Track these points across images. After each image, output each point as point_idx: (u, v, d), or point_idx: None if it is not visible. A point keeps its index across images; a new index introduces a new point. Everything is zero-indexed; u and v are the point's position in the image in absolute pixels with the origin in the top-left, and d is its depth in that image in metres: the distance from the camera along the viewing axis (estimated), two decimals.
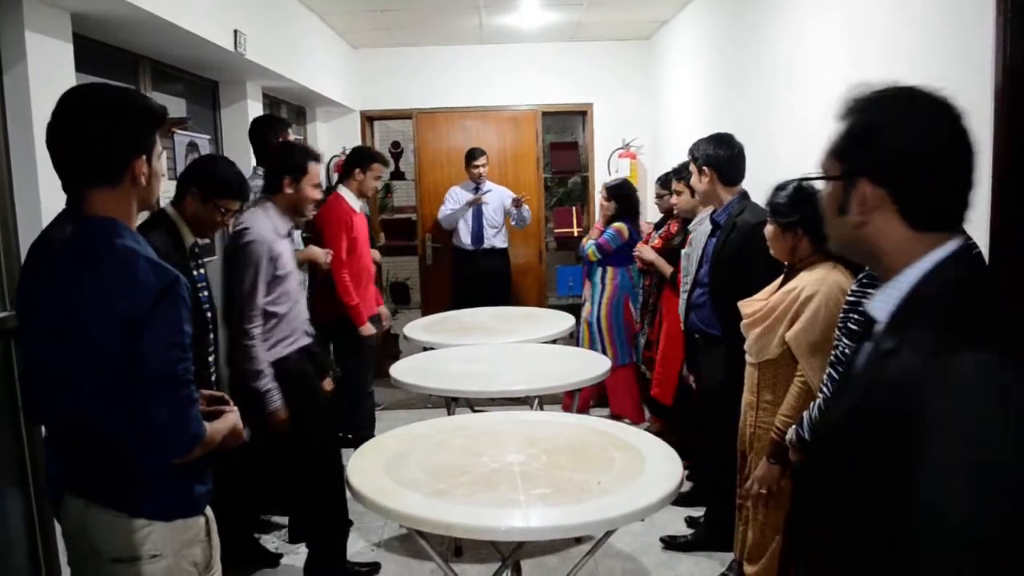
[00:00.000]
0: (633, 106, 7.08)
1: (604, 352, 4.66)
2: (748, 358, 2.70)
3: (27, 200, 2.60)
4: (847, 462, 1.11)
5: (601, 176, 6.84)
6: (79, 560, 1.66)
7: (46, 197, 2.59)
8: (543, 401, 3.52)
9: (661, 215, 4.74)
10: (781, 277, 2.66)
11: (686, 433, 3.90)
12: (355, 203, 4.37)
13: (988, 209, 2.23)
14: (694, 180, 3.40)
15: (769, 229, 2.63)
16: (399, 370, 3.44)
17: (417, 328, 4.42)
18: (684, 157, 3.92)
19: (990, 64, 2.21)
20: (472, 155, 6.07)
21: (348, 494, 2.36)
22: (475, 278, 5.99)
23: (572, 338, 4.88)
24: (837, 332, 1.87)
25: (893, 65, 2.81)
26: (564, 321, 4.47)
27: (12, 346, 2.57)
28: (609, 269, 4.82)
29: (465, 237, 6.06)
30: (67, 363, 1.56)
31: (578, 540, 3.37)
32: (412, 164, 7.62)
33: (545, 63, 7.08)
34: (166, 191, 3.19)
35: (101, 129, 1.55)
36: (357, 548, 3.55)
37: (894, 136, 1.09)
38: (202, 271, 2.76)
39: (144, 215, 3.55)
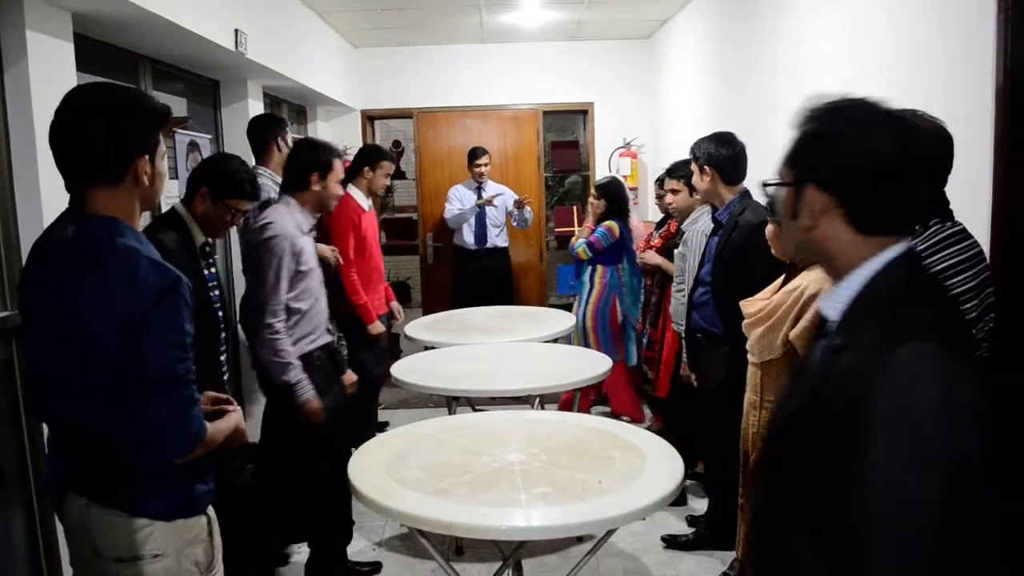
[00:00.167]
0: (634, 105, 7.08)
1: None
2: (750, 357, 2.70)
3: (28, 199, 2.60)
4: (798, 454, 1.15)
5: (602, 175, 6.84)
6: (81, 559, 1.66)
7: (47, 196, 2.59)
8: (544, 400, 3.52)
9: (662, 215, 4.74)
10: (783, 276, 2.66)
11: (687, 433, 3.90)
12: (364, 202, 4.35)
13: (989, 208, 2.23)
14: (695, 179, 3.40)
15: (770, 228, 2.63)
16: (400, 369, 3.44)
17: (418, 327, 4.42)
18: (685, 156, 3.92)
19: (991, 64, 2.21)
20: (475, 154, 6.07)
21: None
22: (476, 277, 5.99)
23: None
24: None
25: (893, 65, 2.81)
26: (565, 320, 4.47)
27: (13, 345, 2.57)
28: (599, 268, 4.81)
29: (468, 236, 6.06)
30: (68, 363, 1.56)
31: (579, 539, 3.37)
32: (413, 163, 7.62)
33: (546, 62, 7.08)
34: (167, 191, 3.19)
35: (103, 128, 1.55)
36: (358, 547, 3.55)
37: (840, 145, 1.14)
38: (213, 270, 2.74)
39: (148, 215, 3.58)
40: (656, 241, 4.51)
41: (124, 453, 1.58)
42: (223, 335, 2.79)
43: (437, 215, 6.33)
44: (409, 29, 6.41)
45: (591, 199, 4.91)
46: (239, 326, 3.59)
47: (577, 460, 2.37)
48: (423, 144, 7.22)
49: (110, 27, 3.20)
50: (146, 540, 1.60)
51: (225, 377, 2.85)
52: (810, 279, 2.48)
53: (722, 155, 3.23)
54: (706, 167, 3.28)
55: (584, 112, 7.36)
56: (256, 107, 4.86)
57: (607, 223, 4.76)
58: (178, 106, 4.26)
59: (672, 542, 3.50)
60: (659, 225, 4.67)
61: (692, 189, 3.76)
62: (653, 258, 4.38)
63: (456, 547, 3.50)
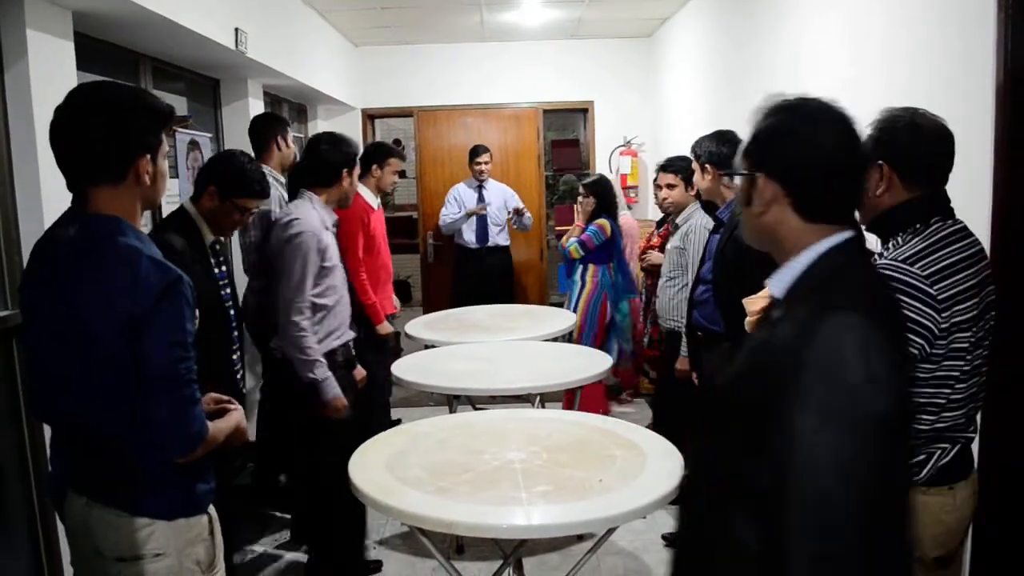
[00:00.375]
0: (634, 104, 7.08)
1: None
2: None
3: (29, 198, 2.60)
4: (732, 413, 1.26)
5: (603, 174, 6.84)
6: (82, 559, 1.66)
7: (48, 195, 2.59)
8: (544, 399, 3.52)
9: (663, 214, 4.73)
10: None
11: (677, 429, 3.90)
12: (373, 200, 4.32)
13: (989, 207, 2.23)
14: (697, 177, 3.41)
15: None
16: (401, 368, 3.44)
17: (418, 326, 4.41)
18: (685, 154, 3.92)
19: (991, 63, 2.21)
20: (475, 152, 6.06)
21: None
22: (477, 276, 5.98)
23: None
24: None
25: (893, 64, 2.81)
26: (565, 319, 4.47)
27: (14, 344, 2.57)
28: (591, 266, 4.80)
29: (469, 236, 6.05)
30: (69, 362, 1.56)
31: (580, 538, 3.37)
32: (413, 162, 7.62)
33: (546, 60, 7.08)
34: (167, 190, 3.18)
35: (105, 127, 1.55)
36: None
37: (790, 140, 1.25)
38: (223, 268, 2.72)
39: (157, 213, 3.58)
40: (656, 240, 4.50)
41: (125, 452, 1.58)
42: (235, 333, 2.78)
43: (437, 214, 6.32)
44: (409, 28, 6.41)
45: (580, 198, 4.89)
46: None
47: (578, 458, 2.37)
48: (423, 143, 7.22)
49: (111, 26, 3.20)
50: (147, 539, 1.60)
51: (239, 375, 2.84)
52: None
53: (723, 153, 3.23)
54: (707, 165, 3.29)
55: (584, 111, 7.36)
56: (256, 106, 4.86)
57: (599, 221, 4.75)
58: (178, 105, 4.26)
59: (673, 540, 3.50)
60: (659, 224, 4.67)
61: (687, 184, 3.78)
62: (657, 258, 4.38)
63: (457, 546, 3.50)
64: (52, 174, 1.62)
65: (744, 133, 1.38)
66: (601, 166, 7.12)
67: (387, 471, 2.30)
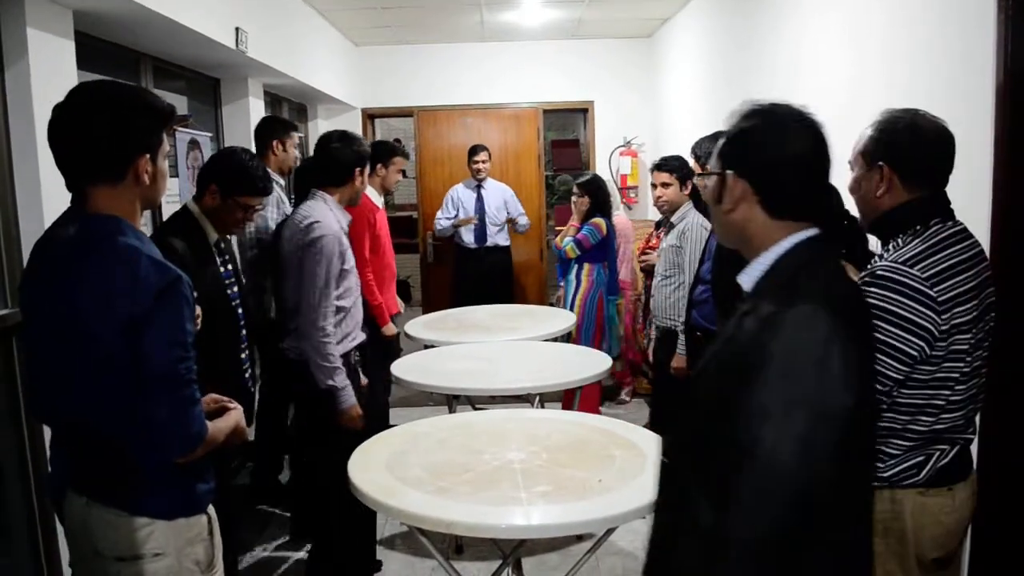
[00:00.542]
0: (634, 104, 7.08)
1: None
2: None
3: (29, 197, 2.61)
4: (702, 404, 1.32)
5: (602, 174, 6.84)
6: (81, 559, 1.66)
7: (48, 194, 2.59)
8: (544, 399, 3.53)
9: (661, 215, 4.73)
10: None
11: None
12: (377, 199, 4.31)
13: (989, 208, 2.23)
14: (697, 178, 3.41)
15: None
16: (400, 368, 3.44)
17: (418, 326, 4.41)
18: (680, 154, 3.93)
19: (991, 63, 2.21)
20: (473, 151, 6.07)
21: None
22: (476, 276, 5.98)
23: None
24: None
25: (893, 64, 2.81)
26: (565, 319, 4.47)
27: (14, 343, 2.57)
28: (586, 265, 4.79)
29: (468, 236, 6.05)
30: (69, 362, 1.56)
31: (579, 538, 3.38)
32: (413, 162, 7.62)
33: (546, 60, 7.08)
34: (168, 190, 3.18)
35: (104, 125, 1.54)
36: None
37: (757, 141, 1.33)
38: (229, 267, 2.71)
39: (157, 213, 3.58)
40: (655, 242, 4.50)
41: (125, 452, 1.58)
42: (243, 332, 2.77)
43: (437, 212, 6.33)
44: (410, 27, 6.41)
45: (574, 197, 4.89)
46: None
47: (577, 458, 2.38)
48: (423, 142, 7.22)
49: (111, 25, 3.20)
50: (147, 539, 1.60)
51: (247, 374, 2.83)
52: None
53: None
54: (707, 166, 3.29)
55: (584, 111, 7.36)
56: (257, 105, 4.86)
57: (594, 220, 4.75)
58: (179, 104, 4.26)
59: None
60: (659, 224, 4.66)
61: (682, 183, 3.78)
62: (655, 260, 4.38)
63: (456, 545, 3.50)
64: (52, 173, 1.62)
65: None
66: (601, 166, 7.12)
67: (387, 471, 2.30)
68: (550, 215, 7.68)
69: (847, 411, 1.15)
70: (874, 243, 1.97)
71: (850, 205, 2.10)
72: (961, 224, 1.80)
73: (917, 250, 1.72)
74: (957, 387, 1.73)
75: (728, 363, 1.27)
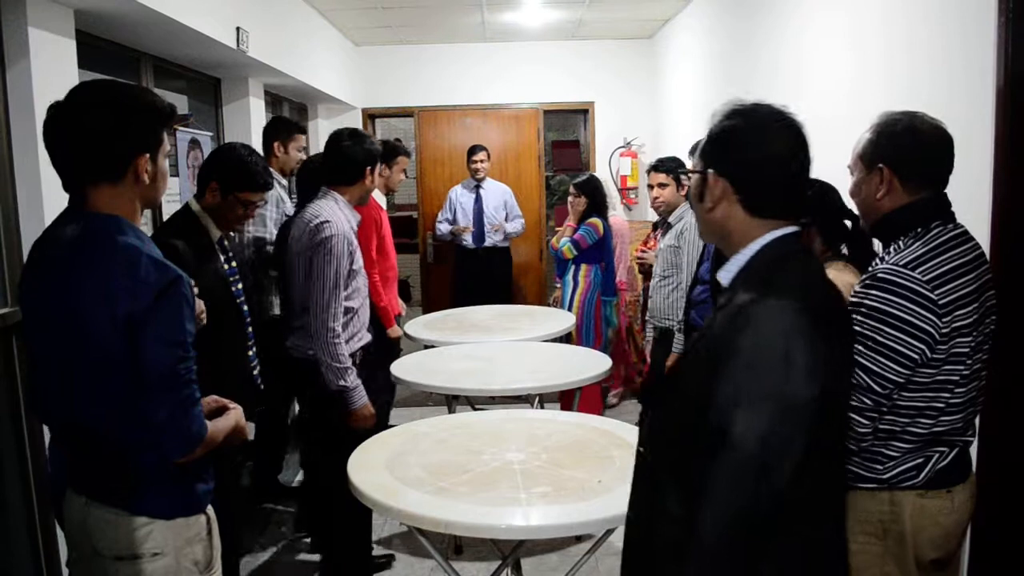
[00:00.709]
0: (635, 105, 7.08)
1: None
2: None
3: (30, 195, 2.61)
4: (676, 396, 1.36)
5: (603, 175, 6.85)
6: (80, 558, 1.66)
7: (49, 193, 2.59)
8: (543, 399, 3.53)
9: (658, 216, 4.73)
10: None
11: None
12: (382, 200, 4.31)
13: (989, 210, 2.23)
14: (683, 177, 3.42)
15: None
16: (400, 368, 3.44)
17: (418, 326, 4.42)
18: (676, 155, 3.94)
19: (991, 66, 2.22)
20: (472, 151, 6.09)
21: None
22: (476, 276, 5.99)
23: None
24: None
25: (894, 66, 2.81)
26: (565, 319, 4.47)
27: (14, 342, 2.57)
28: (583, 266, 4.80)
29: (467, 236, 6.05)
30: (68, 361, 1.56)
31: (578, 538, 3.38)
32: (414, 162, 7.62)
33: (547, 61, 7.08)
34: (168, 189, 3.18)
35: (102, 124, 1.54)
36: None
37: (737, 140, 1.35)
38: (233, 264, 2.70)
39: (157, 213, 3.58)
40: (653, 243, 4.50)
41: (124, 452, 1.58)
42: (250, 329, 2.76)
43: (438, 214, 6.34)
44: (410, 27, 6.41)
45: (571, 198, 4.89)
46: None
47: (577, 459, 2.38)
48: (424, 143, 7.22)
49: (112, 24, 3.20)
50: (146, 539, 1.60)
51: (255, 371, 2.82)
52: None
53: None
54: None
55: (585, 111, 7.36)
56: (257, 105, 4.86)
57: (591, 220, 4.75)
58: (179, 104, 4.26)
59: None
60: (656, 226, 4.66)
61: (677, 184, 3.79)
62: (652, 258, 4.38)
63: (455, 546, 3.50)
64: (53, 172, 1.62)
65: None
66: (601, 167, 7.12)
67: (387, 471, 2.30)
68: (550, 216, 7.68)
69: (812, 402, 1.18)
70: (875, 245, 1.97)
71: (852, 207, 2.11)
72: (962, 227, 1.80)
73: (918, 253, 1.72)
74: (957, 390, 1.73)
75: (702, 357, 1.30)
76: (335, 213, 2.88)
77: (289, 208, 3.87)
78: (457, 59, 7.07)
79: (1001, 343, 1.87)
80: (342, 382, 2.82)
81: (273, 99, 5.58)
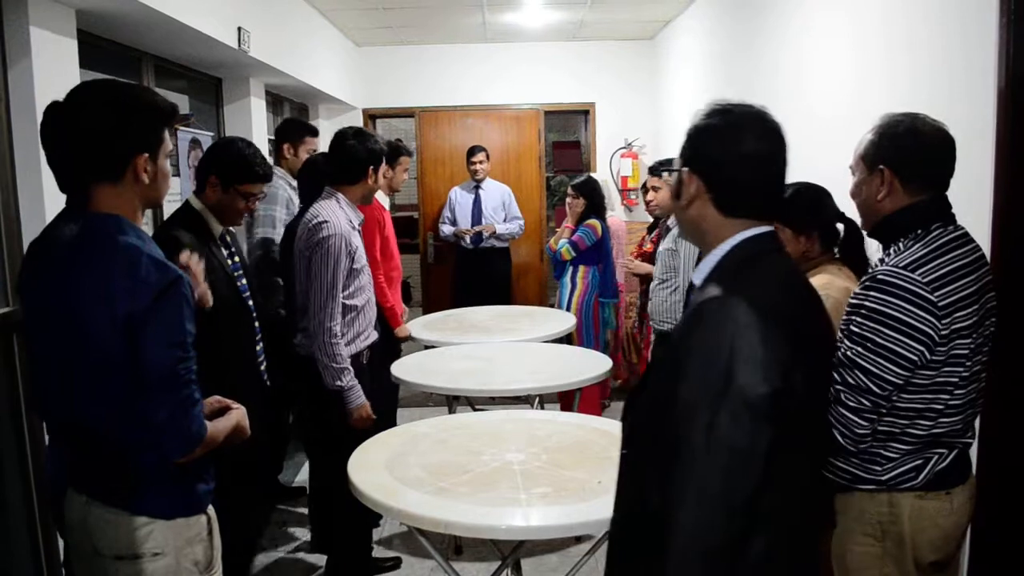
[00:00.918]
0: (636, 106, 7.08)
1: None
2: None
3: (31, 195, 2.61)
4: (649, 391, 1.38)
5: (603, 176, 6.84)
6: (80, 558, 1.66)
7: (50, 192, 2.58)
8: (544, 400, 3.53)
9: (652, 218, 4.72)
10: None
11: None
12: (385, 201, 4.31)
13: (990, 212, 2.23)
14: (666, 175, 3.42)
15: (786, 233, 2.61)
16: (400, 368, 3.44)
17: (418, 326, 4.42)
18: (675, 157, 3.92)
19: (993, 67, 2.22)
20: (471, 152, 6.10)
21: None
22: (476, 277, 5.98)
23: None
24: (839, 335, 1.88)
25: (896, 68, 2.81)
26: (565, 320, 4.47)
27: (14, 341, 2.57)
28: (581, 268, 4.79)
29: (468, 237, 6.05)
30: (68, 361, 1.56)
31: (578, 539, 3.38)
32: (414, 162, 7.62)
33: (548, 62, 7.08)
34: (169, 189, 3.18)
35: (101, 124, 1.54)
36: None
37: (712, 140, 1.36)
38: (237, 259, 2.70)
39: (158, 212, 3.58)
40: (648, 247, 4.48)
41: (125, 452, 1.58)
42: (256, 324, 2.76)
43: (438, 215, 6.34)
44: (411, 28, 6.41)
45: (569, 199, 4.89)
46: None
47: (577, 460, 2.38)
48: (425, 143, 7.22)
49: (114, 24, 3.20)
50: (146, 538, 1.60)
51: (263, 367, 2.82)
52: (817, 285, 2.46)
53: None
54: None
55: (586, 112, 7.36)
56: (258, 105, 4.86)
57: (590, 222, 4.75)
58: (181, 103, 4.26)
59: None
60: (651, 229, 4.64)
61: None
62: (640, 268, 4.34)
63: (455, 546, 3.50)
64: None
65: None
66: (602, 168, 7.12)
67: (387, 471, 2.30)
68: (550, 216, 7.68)
69: (766, 400, 1.17)
70: (875, 247, 1.97)
71: (848, 210, 2.11)
72: (962, 228, 1.80)
73: (918, 254, 1.72)
74: (956, 391, 1.73)
75: (666, 357, 1.32)
76: (334, 213, 2.88)
77: (297, 208, 3.87)
78: (458, 60, 7.07)
79: (1001, 345, 1.87)
80: (338, 382, 2.83)
81: (274, 99, 5.58)
